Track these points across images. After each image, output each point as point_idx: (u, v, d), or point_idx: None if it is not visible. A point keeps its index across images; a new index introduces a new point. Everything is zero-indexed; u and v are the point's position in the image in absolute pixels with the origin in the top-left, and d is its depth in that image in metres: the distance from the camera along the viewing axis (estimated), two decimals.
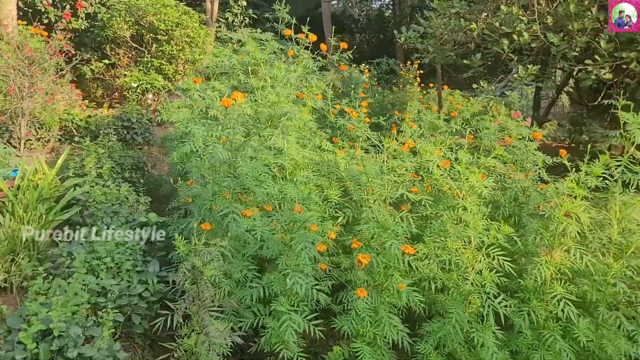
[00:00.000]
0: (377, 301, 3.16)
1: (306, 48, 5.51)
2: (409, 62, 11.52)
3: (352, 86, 6.98)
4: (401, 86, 11.43)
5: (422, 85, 11.56)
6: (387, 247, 3.11)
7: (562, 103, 11.77)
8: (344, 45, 5.68)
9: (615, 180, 3.69)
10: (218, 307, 3.08)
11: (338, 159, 4.06)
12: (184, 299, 2.96)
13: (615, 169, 3.71)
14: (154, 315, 3.35)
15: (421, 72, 11.29)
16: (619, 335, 3.09)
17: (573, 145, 8.96)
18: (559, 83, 7.37)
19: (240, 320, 3.21)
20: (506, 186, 4.18)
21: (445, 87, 12.01)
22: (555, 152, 4.03)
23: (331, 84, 5.59)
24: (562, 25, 5.11)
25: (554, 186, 3.40)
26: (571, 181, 3.24)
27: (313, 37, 5.43)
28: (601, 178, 3.45)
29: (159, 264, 3.70)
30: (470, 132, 4.68)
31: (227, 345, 2.94)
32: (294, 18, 5.72)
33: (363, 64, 11.34)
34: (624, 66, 4.92)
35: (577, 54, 5.30)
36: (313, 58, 5.73)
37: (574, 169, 3.39)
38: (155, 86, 9.91)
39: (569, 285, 3.14)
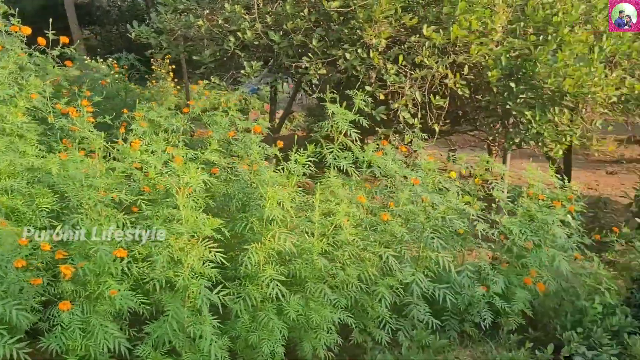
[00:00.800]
0: (90, 311, 3.01)
1: (22, 41, 4.97)
2: (161, 58, 11.25)
3: (83, 84, 6.51)
4: (154, 82, 11.12)
5: (176, 80, 11.41)
6: (96, 253, 2.99)
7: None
8: (64, 39, 5.24)
9: (329, 166, 4.14)
10: None
11: (49, 164, 3.74)
12: None
13: (329, 155, 4.18)
14: None
15: (173, 67, 11.12)
16: (325, 305, 3.45)
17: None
18: (296, 79, 7.92)
19: None
20: (233, 178, 4.34)
21: (200, 82, 12.09)
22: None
23: (49, 82, 5.12)
24: (281, 25, 5.49)
25: (260, 176, 3.65)
26: (274, 170, 3.51)
27: (27, 30, 4.94)
28: (308, 165, 3.82)
29: None
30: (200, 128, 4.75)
31: None
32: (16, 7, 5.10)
33: (111, 59, 10.74)
34: (337, 63, 5.49)
35: (301, 51, 5.75)
36: (29, 54, 5.19)
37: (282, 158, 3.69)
38: None
39: (280, 266, 3.40)
